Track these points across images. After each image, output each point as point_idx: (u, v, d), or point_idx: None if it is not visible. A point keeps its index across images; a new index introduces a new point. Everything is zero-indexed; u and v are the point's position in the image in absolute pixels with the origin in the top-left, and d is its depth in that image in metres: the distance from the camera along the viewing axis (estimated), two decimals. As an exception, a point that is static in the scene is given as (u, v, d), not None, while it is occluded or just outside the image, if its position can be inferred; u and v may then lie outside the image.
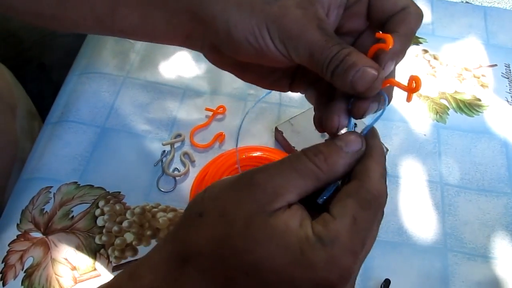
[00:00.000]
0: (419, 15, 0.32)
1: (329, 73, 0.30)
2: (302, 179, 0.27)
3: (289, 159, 0.28)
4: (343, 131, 0.30)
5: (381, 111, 0.30)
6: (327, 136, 0.53)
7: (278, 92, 0.57)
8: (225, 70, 0.39)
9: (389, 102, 0.32)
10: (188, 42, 0.38)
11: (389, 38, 0.29)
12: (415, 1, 0.71)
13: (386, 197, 0.28)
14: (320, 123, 0.33)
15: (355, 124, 0.31)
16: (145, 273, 0.28)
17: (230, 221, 0.27)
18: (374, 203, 0.27)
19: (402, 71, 0.62)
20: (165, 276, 0.28)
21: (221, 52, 0.35)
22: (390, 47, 0.29)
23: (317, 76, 0.35)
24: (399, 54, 0.31)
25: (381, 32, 0.31)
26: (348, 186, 0.27)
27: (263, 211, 0.26)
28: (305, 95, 0.38)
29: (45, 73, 0.74)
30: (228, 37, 0.32)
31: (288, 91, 0.39)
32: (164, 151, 0.53)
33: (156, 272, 0.28)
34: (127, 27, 0.38)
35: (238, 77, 0.39)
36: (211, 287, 0.27)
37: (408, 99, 0.31)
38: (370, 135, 0.29)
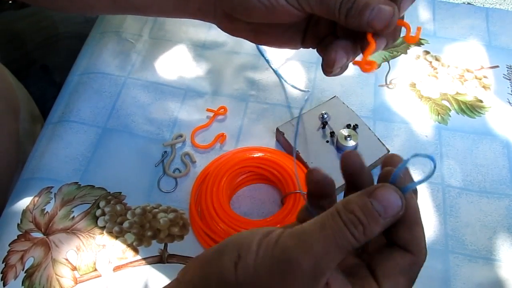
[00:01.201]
0: None
1: (343, 16, 0.30)
2: (343, 254, 0.25)
3: (332, 231, 0.25)
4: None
5: (431, 172, 0.27)
6: (328, 136, 0.53)
7: (280, 93, 0.57)
8: (238, 36, 0.40)
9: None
10: (199, 14, 0.39)
11: (373, 64, 0.31)
12: (420, 1, 0.71)
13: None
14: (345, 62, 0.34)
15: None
16: None
17: None
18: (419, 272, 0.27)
19: (403, 72, 0.62)
20: None
21: (233, 18, 0.36)
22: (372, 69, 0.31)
23: (327, 28, 0.37)
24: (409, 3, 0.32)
25: None
26: (402, 260, 0.26)
27: None
28: (316, 50, 0.39)
29: (48, 75, 0.74)
30: None
31: (300, 47, 0.40)
32: (165, 151, 0.52)
33: None
34: (139, 3, 0.38)
35: (252, 41, 0.40)
36: None
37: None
38: (410, 195, 0.27)
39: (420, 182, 0.26)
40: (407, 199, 0.26)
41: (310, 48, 0.40)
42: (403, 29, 0.35)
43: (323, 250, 0.24)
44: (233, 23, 0.38)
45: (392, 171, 0.27)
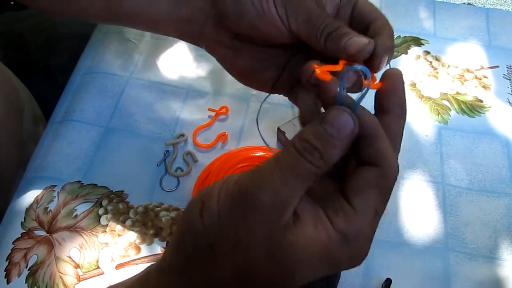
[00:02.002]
0: (390, 25, 0.35)
1: (323, 38, 0.32)
2: (304, 183, 0.26)
3: (286, 162, 0.25)
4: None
5: (366, 88, 0.28)
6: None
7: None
8: (217, 53, 0.40)
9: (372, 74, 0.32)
10: (188, 27, 0.39)
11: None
12: (420, 2, 0.71)
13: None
14: (316, 112, 0.34)
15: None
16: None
17: (248, 250, 0.25)
18: (393, 186, 0.27)
19: (403, 72, 0.62)
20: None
21: (221, 29, 0.37)
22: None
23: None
24: (389, 49, 0.33)
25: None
26: (369, 174, 0.26)
27: (276, 230, 0.25)
28: (288, 97, 0.40)
29: (50, 75, 0.74)
30: (235, 2, 0.35)
31: (269, 90, 0.40)
32: (167, 150, 0.53)
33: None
34: (133, 10, 0.39)
35: (227, 64, 0.40)
36: None
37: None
38: (362, 112, 0.27)
39: (362, 97, 0.26)
40: (359, 115, 0.26)
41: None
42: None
43: (280, 181, 0.25)
44: (219, 35, 0.38)
45: (336, 92, 0.27)
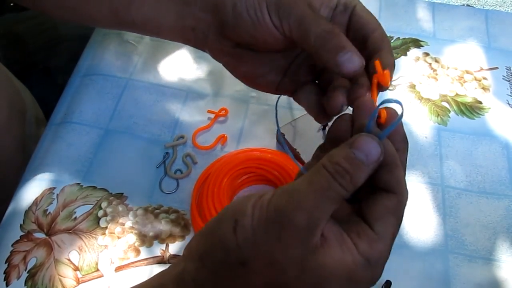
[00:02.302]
0: (387, 38, 0.36)
1: (317, 45, 0.33)
2: (333, 205, 0.27)
3: (320, 184, 0.26)
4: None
5: (398, 117, 0.29)
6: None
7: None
8: (222, 61, 0.42)
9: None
10: (192, 35, 0.40)
11: (387, 74, 0.32)
12: (419, 3, 0.71)
13: None
14: (321, 112, 0.36)
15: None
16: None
17: (282, 269, 0.26)
18: (405, 203, 0.29)
19: (402, 73, 0.62)
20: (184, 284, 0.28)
21: (223, 39, 0.39)
22: (388, 84, 0.32)
23: (305, 77, 0.39)
24: (394, 65, 0.35)
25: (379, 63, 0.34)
26: (389, 201, 0.28)
27: (308, 250, 0.26)
28: (293, 98, 0.41)
29: (50, 77, 0.75)
30: (232, 11, 0.36)
31: (275, 91, 0.42)
32: (166, 152, 0.53)
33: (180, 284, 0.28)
34: (139, 18, 0.41)
35: (231, 69, 0.42)
36: None
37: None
38: (386, 141, 0.29)
39: (390, 128, 0.28)
40: (384, 144, 0.28)
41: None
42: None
43: (314, 203, 0.26)
44: (222, 45, 0.39)
45: (365, 121, 0.29)
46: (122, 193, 0.50)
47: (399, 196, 0.28)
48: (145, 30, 0.43)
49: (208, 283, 0.28)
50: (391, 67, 0.34)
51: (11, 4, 0.89)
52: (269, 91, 0.42)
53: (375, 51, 0.35)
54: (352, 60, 0.32)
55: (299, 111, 0.56)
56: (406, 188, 0.29)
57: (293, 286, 0.26)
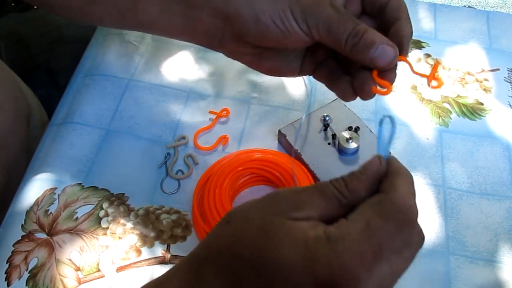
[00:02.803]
0: (405, 4, 0.37)
1: (349, 48, 0.34)
2: (324, 199, 0.28)
3: (316, 184, 0.29)
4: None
5: (391, 133, 0.30)
6: (330, 139, 0.53)
7: (281, 95, 0.58)
8: (241, 60, 0.42)
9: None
10: (205, 38, 0.41)
11: (388, 86, 0.34)
12: (421, 4, 0.71)
13: (416, 217, 0.27)
14: (350, 91, 0.38)
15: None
16: (172, 277, 0.29)
17: (249, 221, 0.28)
18: (397, 215, 0.26)
19: (404, 74, 0.62)
20: (187, 278, 0.28)
21: (241, 42, 0.39)
22: (389, 93, 0.34)
23: (324, 54, 0.40)
24: (411, 34, 0.36)
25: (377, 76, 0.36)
26: (372, 198, 0.27)
27: (281, 215, 0.27)
28: (313, 76, 0.43)
29: (52, 79, 0.75)
30: (256, 23, 0.36)
31: (298, 75, 0.43)
32: (168, 153, 0.53)
33: (180, 276, 0.29)
34: (146, 21, 0.41)
35: (254, 66, 0.42)
36: (223, 285, 0.27)
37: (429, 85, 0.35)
38: (393, 158, 0.29)
39: (389, 144, 0.30)
40: (390, 159, 0.29)
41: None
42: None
43: (304, 190, 0.28)
44: (239, 47, 0.39)
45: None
46: (124, 194, 0.50)
47: (385, 193, 0.27)
48: (155, 31, 0.43)
49: (204, 239, 0.29)
50: (408, 37, 0.35)
51: (12, 4, 0.89)
52: (292, 76, 0.43)
53: (393, 20, 0.35)
54: (385, 52, 0.33)
55: (300, 112, 0.56)
56: (406, 194, 0.27)
57: (251, 236, 0.27)
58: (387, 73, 0.35)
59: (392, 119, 0.29)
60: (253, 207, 0.28)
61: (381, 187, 0.28)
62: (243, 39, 0.38)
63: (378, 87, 0.36)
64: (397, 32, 0.35)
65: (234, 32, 0.38)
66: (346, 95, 0.39)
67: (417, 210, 0.27)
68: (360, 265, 0.25)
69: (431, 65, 0.62)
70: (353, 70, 0.39)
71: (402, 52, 0.36)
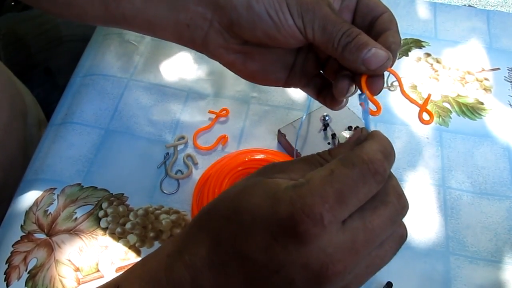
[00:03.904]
0: (395, 19, 0.37)
1: (341, 47, 0.33)
2: (307, 164, 0.29)
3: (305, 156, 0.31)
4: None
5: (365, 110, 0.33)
6: (330, 138, 0.53)
7: (281, 95, 0.58)
8: (225, 60, 0.40)
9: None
10: (187, 32, 0.38)
11: (378, 105, 0.34)
12: (421, 4, 0.71)
13: (384, 172, 0.27)
14: (330, 99, 0.39)
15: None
16: (167, 243, 0.31)
17: (235, 186, 0.30)
18: (360, 165, 0.27)
19: (404, 74, 0.62)
20: (178, 240, 0.30)
21: (228, 35, 0.37)
22: (379, 113, 0.34)
23: (314, 68, 0.40)
24: (400, 45, 0.35)
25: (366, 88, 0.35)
26: (341, 156, 0.28)
27: (264, 176, 0.29)
28: (302, 89, 0.41)
29: (51, 78, 0.74)
30: (248, 11, 0.35)
31: (282, 85, 0.41)
32: (167, 153, 0.53)
33: (173, 240, 0.31)
34: (129, 11, 0.38)
35: (237, 68, 0.40)
36: (205, 241, 0.28)
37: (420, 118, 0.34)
38: (376, 130, 0.30)
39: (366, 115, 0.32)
40: (373, 131, 0.31)
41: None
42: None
43: (289, 160, 0.31)
44: (226, 42, 0.38)
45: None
46: (123, 194, 0.50)
47: (352, 149, 0.28)
48: (136, 25, 0.40)
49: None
50: (397, 46, 0.34)
51: (12, 3, 0.89)
52: (276, 85, 0.41)
53: (382, 31, 0.35)
54: (378, 54, 0.32)
55: (299, 111, 0.56)
56: (373, 150, 0.28)
57: (231, 192, 0.29)
58: (376, 80, 0.34)
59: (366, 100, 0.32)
60: (243, 178, 0.31)
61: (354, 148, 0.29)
62: (232, 30, 0.36)
63: (370, 106, 0.35)
64: (386, 40, 0.34)
65: (222, 21, 0.36)
66: (333, 106, 0.40)
67: (385, 168, 0.27)
68: (321, 204, 0.25)
69: (431, 64, 0.62)
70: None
71: (377, 112, 0.35)
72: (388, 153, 0.28)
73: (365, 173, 0.27)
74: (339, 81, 0.36)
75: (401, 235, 0.29)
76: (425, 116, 0.33)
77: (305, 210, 0.25)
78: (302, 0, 0.34)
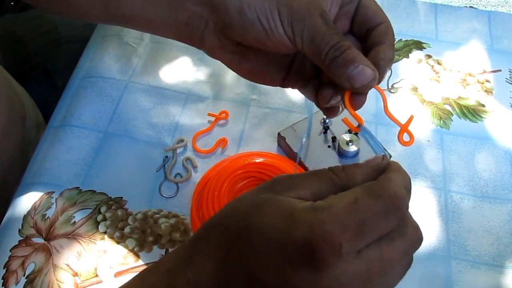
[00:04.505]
0: (393, 31, 0.35)
1: (328, 61, 0.32)
2: (317, 180, 0.28)
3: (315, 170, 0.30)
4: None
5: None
6: (330, 141, 0.52)
7: (281, 97, 0.57)
8: (222, 59, 0.40)
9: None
10: (187, 31, 0.38)
11: (360, 121, 0.33)
12: (421, 5, 0.70)
13: (406, 209, 0.27)
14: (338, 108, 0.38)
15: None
16: (167, 257, 0.31)
17: (241, 200, 0.29)
18: (386, 199, 0.26)
19: (405, 76, 0.62)
20: (181, 255, 0.29)
21: (223, 36, 0.37)
22: (359, 130, 0.33)
23: (311, 71, 0.39)
24: (391, 61, 0.34)
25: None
26: (366, 183, 0.28)
27: (273, 193, 0.28)
28: (299, 91, 0.41)
29: (50, 79, 0.74)
30: (240, 16, 0.34)
31: (279, 85, 0.41)
32: (166, 156, 0.52)
33: (174, 255, 0.30)
34: (129, 11, 0.39)
35: (234, 68, 0.40)
36: (212, 256, 0.27)
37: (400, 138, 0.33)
38: (395, 161, 0.30)
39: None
40: (391, 161, 0.30)
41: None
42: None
43: (299, 175, 0.30)
44: (221, 42, 0.38)
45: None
46: (122, 197, 0.49)
47: (378, 180, 0.28)
48: (137, 24, 0.40)
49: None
50: (387, 62, 0.33)
51: (12, 3, 0.88)
52: (273, 85, 0.41)
53: (376, 44, 0.34)
54: (364, 72, 0.31)
55: (300, 114, 0.56)
56: (398, 184, 0.27)
57: (241, 209, 0.28)
58: (359, 96, 0.33)
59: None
60: (248, 192, 0.29)
61: (378, 178, 0.28)
62: (225, 32, 0.37)
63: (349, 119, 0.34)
64: (376, 55, 0.33)
65: (216, 23, 0.37)
66: (328, 112, 0.39)
67: (407, 205, 0.27)
68: (341, 233, 0.24)
69: (432, 66, 0.62)
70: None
71: (380, 78, 0.34)
72: (409, 189, 0.28)
73: (389, 208, 0.26)
74: (324, 89, 0.36)
75: (410, 261, 0.29)
76: (406, 137, 0.32)
77: (325, 237, 0.24)
78: (294, 8, 0.33)
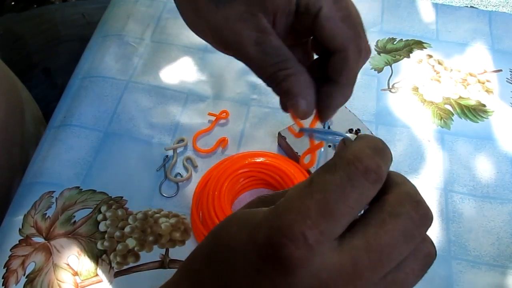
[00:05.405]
0: (362, 52, 0.30)
1: (268, 83, 0.31)
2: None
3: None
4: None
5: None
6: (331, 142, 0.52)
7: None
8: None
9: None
10: None
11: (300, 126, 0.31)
12: (422, 5, 0.70)
13: (382, 171, 0.22)
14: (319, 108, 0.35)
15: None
16: None
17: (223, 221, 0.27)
18: (344, 166, 0.22)
19: (405, 76, 0.62)
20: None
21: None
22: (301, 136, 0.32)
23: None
24: (343, 103, 0.32)
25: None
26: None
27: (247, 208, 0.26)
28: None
29: (49, 78, 0.74)
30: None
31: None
32: (166, 156, 0.52)
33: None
34: None
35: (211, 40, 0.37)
36: (190, 285, 0.26)
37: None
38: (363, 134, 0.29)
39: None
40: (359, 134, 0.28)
41: None
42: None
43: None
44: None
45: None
46: (122, 197, 0.49)
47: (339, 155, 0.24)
48: None
49: None
50: (336, 106, 0.30)
51: (12, 3, 0.88)
52: None
53: (331, 78, 0.30)
54: (296, 108, 0.29)
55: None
56: (359, 147, 0.23)
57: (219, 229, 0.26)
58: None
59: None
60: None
61: None
62: None
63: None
64: (325, 97, 0.30)
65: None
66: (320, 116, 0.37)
67: (383, 167, 0.22)
68: (301, 221, 0.21)
69: (432, 66, 0.61)
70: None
71: (322, 119, 0.31)
72: (379, 148, 0.23)
73: (352, 174, 0.21)
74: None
75: (427, 253, 0.24)
76: (306, 159, 0.31)
77: (283, 231, 0.21)
78: (225, 38, 0.31)
